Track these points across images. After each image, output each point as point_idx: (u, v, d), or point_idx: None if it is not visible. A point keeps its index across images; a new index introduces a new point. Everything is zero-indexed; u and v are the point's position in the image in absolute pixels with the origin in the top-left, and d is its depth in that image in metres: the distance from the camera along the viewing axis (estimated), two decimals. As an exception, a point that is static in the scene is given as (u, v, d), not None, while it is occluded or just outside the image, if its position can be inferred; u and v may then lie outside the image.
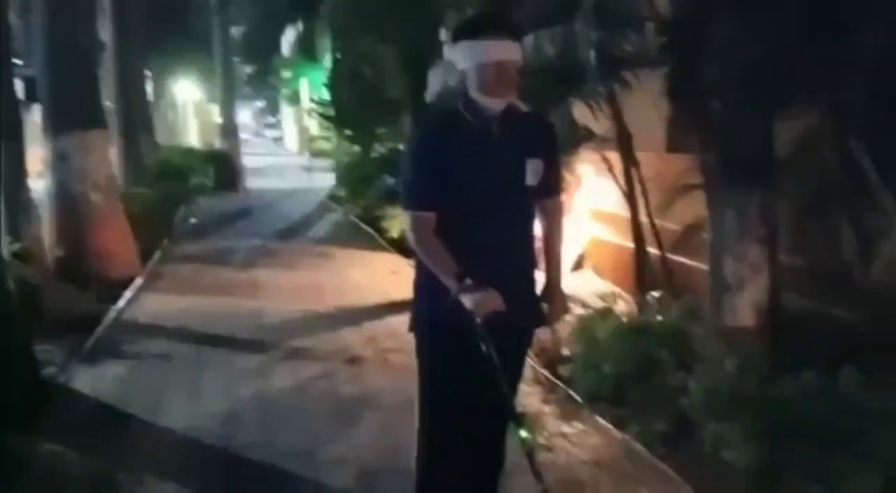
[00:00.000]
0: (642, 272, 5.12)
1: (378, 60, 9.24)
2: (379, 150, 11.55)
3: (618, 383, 3.44)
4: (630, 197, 5.12)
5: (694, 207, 4.19)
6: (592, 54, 4.24)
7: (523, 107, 2.31)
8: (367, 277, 7.14)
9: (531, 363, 4.45)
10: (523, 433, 2.15)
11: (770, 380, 2.64)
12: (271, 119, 45.18)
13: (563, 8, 4.28)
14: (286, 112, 33.78)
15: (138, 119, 13.24)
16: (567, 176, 6.06)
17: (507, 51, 2.19)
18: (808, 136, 3.48)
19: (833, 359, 2.90)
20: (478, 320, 2.09)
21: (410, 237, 2.25)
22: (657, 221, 5.02)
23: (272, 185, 17.27)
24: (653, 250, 5.08)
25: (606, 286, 6.05)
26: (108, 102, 10.98)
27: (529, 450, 2.20)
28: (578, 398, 3.87)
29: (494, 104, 2.21)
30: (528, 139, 2.28)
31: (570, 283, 5.41)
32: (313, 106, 14.77)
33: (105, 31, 11.61)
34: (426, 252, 2.23)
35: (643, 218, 5.11)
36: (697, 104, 3.38)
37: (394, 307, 5.85)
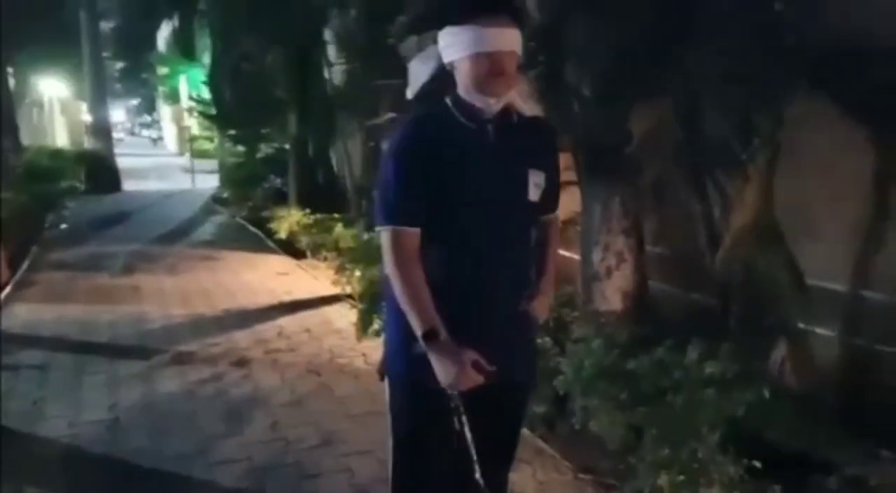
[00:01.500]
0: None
1: (260, 58, 9.12)
2: (265, 150, 11.40)
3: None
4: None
5: (573, 203, 4.48)
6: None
7: (524, 108, 1.93)
8: (257, 279, 7.06)
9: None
10: None
11: (629, 356, 2.92)
12: (147, 118, 43.23)
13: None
14: (164, 111, 32.43)
15: (1, 118, 12.38)
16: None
17: (506, 39, 1.79)
18: (653, 132, 3.82)
19: (686, 335, 3.24)
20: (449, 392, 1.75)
21: (387, 260, 1.82)
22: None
23: (151, 187, 16.59)
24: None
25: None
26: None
27: None
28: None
29: (490, 105, 1.83)
30: (529, 147, 1.90)
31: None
32: (193, 104, 14.32)
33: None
34: (403, 282, 1.79)
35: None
36: (564, 104, 3.63)
37: (283, 308, 5.89)
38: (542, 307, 1.99)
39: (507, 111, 1.86)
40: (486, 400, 1.81)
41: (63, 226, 10.69)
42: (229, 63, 9.43)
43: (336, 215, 7.62)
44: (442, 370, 1.74)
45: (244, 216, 10.57)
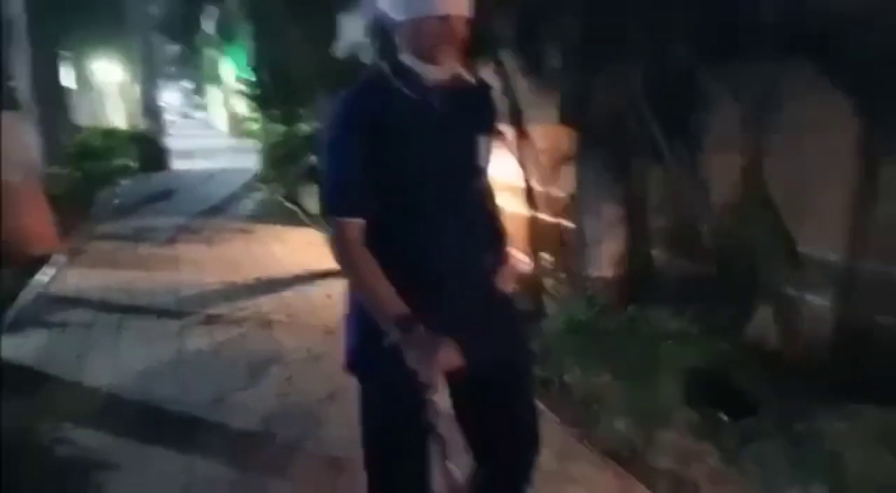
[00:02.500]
0: (534, 236, 5.63)
1: (290, 40, 9.46)
2: (303, 129, 11.78)
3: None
4: (523, 167, 5.59)
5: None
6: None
7: (469, 76, 1.76)
8: (287, 250, 7.45)
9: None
10: None
11: (607, 315, 3.15)
12: (200, 100, 44.23)
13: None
14: (214, 93, 33.23)
15: (54, 99, 13.05)
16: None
17: (460, 2, 1.63)
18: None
19: (677, 300, 3.44)
20: (427, 390, 1.56)
21: (334, 254, 1.69)
22: (548, 190, 5.52)
23: (199, 165, 17.21)
24: (545, 216, 5.58)
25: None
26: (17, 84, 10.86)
27: None
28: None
29: (435, 73, 1.67)
30: (473, 113, 1.77)
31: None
32: (239, 86, 14.81)
33: (15, 10, 11.40)
34: (356, 276, 1.66)
35: (536, 187, 5.60)
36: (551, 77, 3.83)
37: (309, 277, 6.24)
38: (508, 278, 1.86)
39: (454, 81, 1.70)
40: (478, 386, 1.73)
41: (115, 201, 11.29)
42: (266, 44, 9.78)
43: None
44: (415, 356, 1.55)
45: (282, 193, 10.99)
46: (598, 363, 2.90)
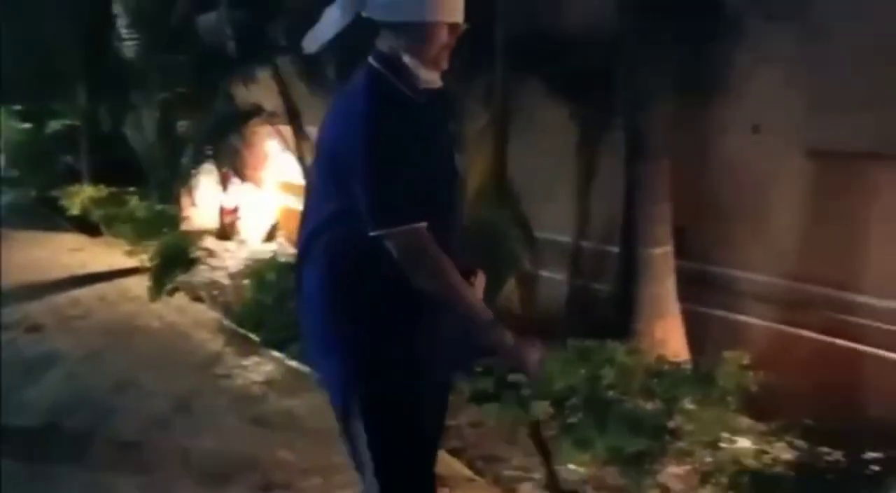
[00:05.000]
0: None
1: (47, 30, 8.80)
2: (54, 126, 10.90)
3: (281, 313, 4.25)
4: (304, 167, 5.89)
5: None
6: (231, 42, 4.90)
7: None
8: (49, 254, 6.98)
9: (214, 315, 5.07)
10: None
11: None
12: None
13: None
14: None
15: None
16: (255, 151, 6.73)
17: (462, 7, 1.64)
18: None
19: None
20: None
21: (416, 262, 1.60)
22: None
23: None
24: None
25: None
26: None
27: None
28: (254, 337, 4.58)
29: (434, 80, 1.67)
30: (448, 115, 1.90)
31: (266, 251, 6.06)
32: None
33: None
34: (445, 280, 1.60)
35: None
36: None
37: (77, 281, 5.95)
38: (481, 284, 1.85)
39: (438, 85, 1.70)
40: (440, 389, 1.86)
41: None
42: (13, 34, 8.99)
43: (132, 189, 7.64)
44: (526, 355, 1.65)
45: (34, 196, 10.12)
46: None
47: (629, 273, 3.95)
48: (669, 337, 3.79)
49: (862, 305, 3.34)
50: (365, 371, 1.69)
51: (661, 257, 3.87)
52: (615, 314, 4.05)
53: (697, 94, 3.98)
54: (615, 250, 4.16)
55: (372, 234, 1.58)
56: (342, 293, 1.69)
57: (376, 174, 1.58)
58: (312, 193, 1.79)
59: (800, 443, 2.10)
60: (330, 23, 1.69)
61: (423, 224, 1.58)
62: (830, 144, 3.53)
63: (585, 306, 4.71)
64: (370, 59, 1.67)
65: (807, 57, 3.57)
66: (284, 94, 5.63)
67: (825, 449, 2.06)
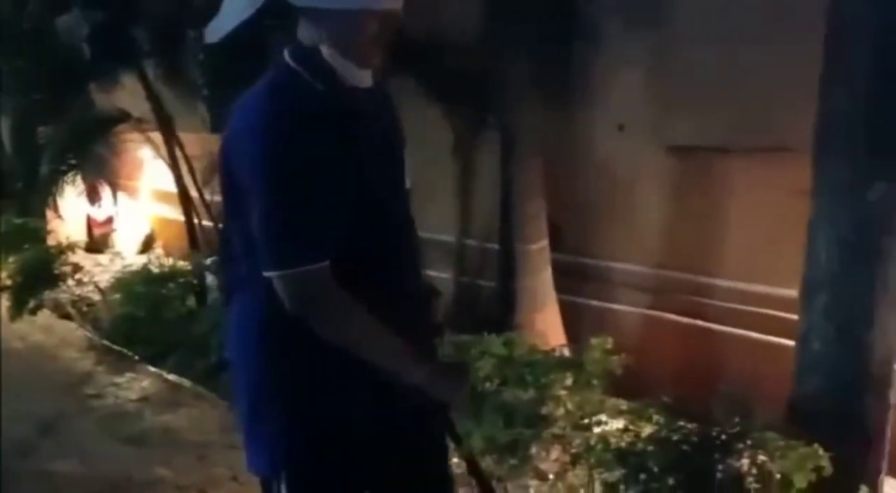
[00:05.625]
0: (194, 241, 5.73)
1: None
2: None
3: (155, 325, 4.09)
4: (177, 175, 5.65)
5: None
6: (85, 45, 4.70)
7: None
8: None
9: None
10: None
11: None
12: None
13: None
14: None
15: None
16: (125, 159, 6.40)
17: None
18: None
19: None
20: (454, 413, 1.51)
21: (304, 309, 1.33)
22: (207, 196, 5.65)
23: None
24: (205, 222, 5.70)
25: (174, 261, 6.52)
26: None
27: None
28: (129, 353, 4.38)
29: (362, 78, 1.42)
30: (395, 123, 1.55)
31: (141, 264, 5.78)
32: None
33: None
34: (349, 328, 1.35)
35: (193, 193, 5.69)
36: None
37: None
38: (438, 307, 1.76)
39: (376, 85, 1.47)
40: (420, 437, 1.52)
41: None
42: None
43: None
44: (451, 392, 1.46)
45: None
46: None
47: (508, 269, 4.07)
48: (548, 328, 3.94)
49: (718, 288, 3.59)
50: (304, 446, 1.41)
51: (537, 253, 4.02)
52: (497, 309, 4.16)
53: (566, 94, 4.15)
54: (496, 247, 4.27)
55: (266, 275, 1.33)
56: (283, 340, 1.39)
57: (272, 202, 1.31)
58: (228, 212, 1.49)
59: (659, 418, 2.25)
60: (236, 9, 1.41)
61: (321, 265, 1.31)
62: (686, 140, 3.77)
63: (471, 304, 4.81)
64: (285, 55, 1.41)
65: (663, 60, 3.80)
66: (152, 98, 5.39)
67: (682, 423, 2.22)
